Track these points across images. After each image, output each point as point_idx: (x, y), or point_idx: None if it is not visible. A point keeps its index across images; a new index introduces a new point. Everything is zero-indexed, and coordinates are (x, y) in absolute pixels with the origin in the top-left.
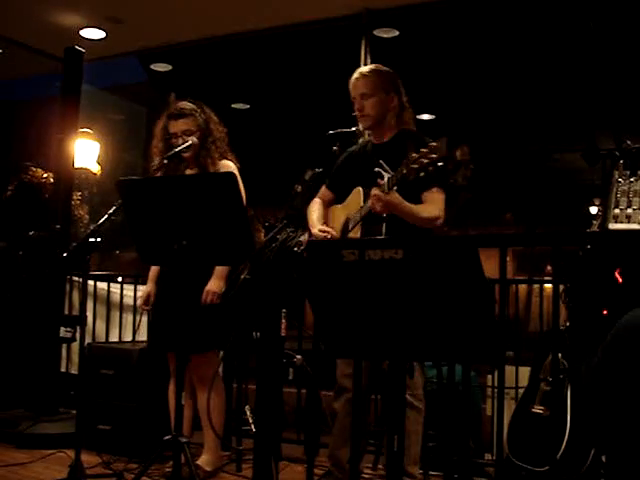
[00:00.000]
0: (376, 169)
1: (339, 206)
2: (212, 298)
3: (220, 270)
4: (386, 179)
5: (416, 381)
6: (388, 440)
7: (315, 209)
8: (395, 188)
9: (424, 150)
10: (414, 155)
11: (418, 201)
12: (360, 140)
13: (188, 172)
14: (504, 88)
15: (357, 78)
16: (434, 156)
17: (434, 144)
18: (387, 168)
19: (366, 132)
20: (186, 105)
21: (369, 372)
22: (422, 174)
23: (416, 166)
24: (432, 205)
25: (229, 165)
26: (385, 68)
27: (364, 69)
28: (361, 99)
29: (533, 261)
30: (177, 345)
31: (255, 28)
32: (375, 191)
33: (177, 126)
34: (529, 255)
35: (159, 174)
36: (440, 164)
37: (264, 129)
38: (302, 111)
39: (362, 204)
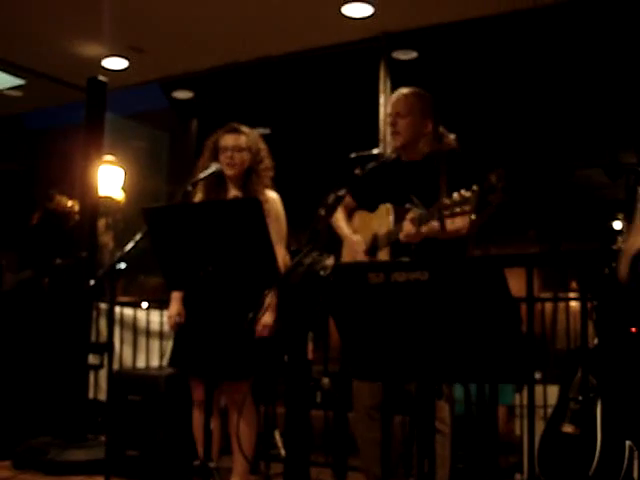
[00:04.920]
0: (407, 205)
1: (366, 213)
2: (268, 332)
3: (273, 301)
4: (417, 215)
5: (441, 404)
6: (418, 465)
7: (340, 218)
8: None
9: (455, 199)
10: (446, 202)
11: None
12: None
13: (232, 195)
14: (525, 106)
15: (397, 97)
16: (467, 208)
17: (465, 194)
18: (418, 202)
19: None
20: (243, 126)
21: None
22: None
23: (448, 213)
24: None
25: (274, 197)
26: (425, 93)
27: (405, 89)
28: (396, 117)
29: (558, 276)
30: (213, 372)
31: (274, 53)
32: (407, 228)
33: (228, 140)
34: (554, 270)
35: (197, 198)
36: (473, 217)
37: (286, 153)
38: (323, 134)
39: (391, 224)
